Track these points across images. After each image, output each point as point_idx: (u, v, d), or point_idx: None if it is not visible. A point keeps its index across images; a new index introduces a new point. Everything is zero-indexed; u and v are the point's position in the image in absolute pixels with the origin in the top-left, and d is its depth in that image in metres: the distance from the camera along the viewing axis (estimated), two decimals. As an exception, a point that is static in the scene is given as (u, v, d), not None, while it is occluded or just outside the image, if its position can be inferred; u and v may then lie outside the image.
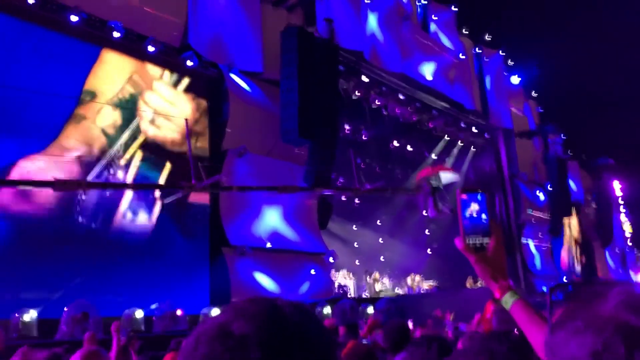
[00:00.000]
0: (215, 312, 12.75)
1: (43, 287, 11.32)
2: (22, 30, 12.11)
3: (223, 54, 15.75)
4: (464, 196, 1.57)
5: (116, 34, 13.33)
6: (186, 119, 12.09)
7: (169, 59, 14.78)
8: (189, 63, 14.81)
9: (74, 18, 12.59)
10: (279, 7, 17.55)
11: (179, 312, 12.18)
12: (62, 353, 4.16)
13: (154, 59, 14.41)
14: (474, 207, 1.57)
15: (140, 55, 14.12)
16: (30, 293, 11.14)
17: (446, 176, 12.14)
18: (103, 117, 13.20)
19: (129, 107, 13.77)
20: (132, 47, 13.97)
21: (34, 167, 11.41)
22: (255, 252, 15.17)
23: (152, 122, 14.15)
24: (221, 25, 15.78)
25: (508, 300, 1.52)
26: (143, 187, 13.21)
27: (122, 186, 12.43)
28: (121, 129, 13.55)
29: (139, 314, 11.57)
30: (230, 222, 15.00)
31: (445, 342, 2.23)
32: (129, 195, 13.39)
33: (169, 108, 14.69)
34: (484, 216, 1.56)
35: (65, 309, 10.70)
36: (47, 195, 11.83)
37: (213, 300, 13.93)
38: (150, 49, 14.04)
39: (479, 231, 1.55)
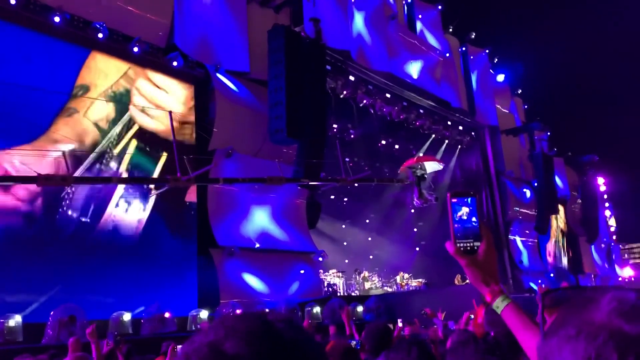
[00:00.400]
0: (203, 314, 12.69)
1: (28, 290, 11.18)
2: (5, 31, 11.94)
3: (209, 54, 15.67)
4: (455, 200, 1.57)
5: (100, 35, 13.20)
6: (170, 112, 11.95)
7: (155, 60, 14.67)
8: (175, 63, 14.73)
9: (57, 19, 12.44)
10: (265, 7, 17.50)
11: (167, 315, 12.10)
12: (47, 359, 4.12)
13: (140, 60, 14.29)
14: (464, 210, 1.57)
15: (125, 56, 14.00)
16: (15, 296, 11.00)
17: (431, 165, 12.14)
18: (95, 110, 13.10)
19: (122, 101, 13.71)
20: (117, 47, 13.84)
21: (20, 159, 11.21)
22: (244, 252, 15.12)
23: (145, 111, 14.08)
24: (207, 25, 15.69)
25: (499, 305, 1.52)
26: (129, 181, 13.04)
27: (107, 180, 12.20)
28: (114, 121, 13.50)
29: (127, 316, 11.47)
30: (219, 223, 14.94)
31: (426, 347, 2.21)
32: (117, 193, 13.28)
33: (162, 96, 14.62)
34: (474, 219, 1.56)
35: (51, 312, 10.58)
36: (32, 194, 11.70)
37: (201, 302, 13.86)
38: (136, 49, 13.92)
39: (469, 234, 1.55)
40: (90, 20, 13.18)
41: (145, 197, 13.90)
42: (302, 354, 0.83)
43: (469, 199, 1.58)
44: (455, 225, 1.55)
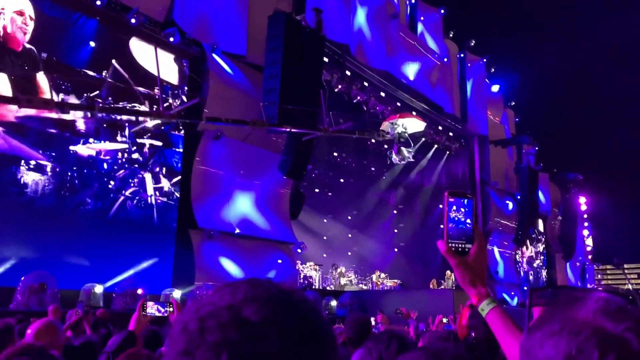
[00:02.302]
0: (176, 294, 12.59)
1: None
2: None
3: (207, 33, 15.49)
4: (452, 199, 1.56)
5: (99, 2, 12.96)
6: (155, 47, 11.71)
7: (151, 34, 14.45)
8: (172, 39, 14.53)
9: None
10: (268, -8, 17.31)
11: (139, 291, 11.99)
12: (14, 323, 4.02)
13: (136, 32, 14.07)
14: (460, 211, 1.56)
15: (122, 26, 13.78)
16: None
17: (412, 123, 12.07)
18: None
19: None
20: (114, 17, 13.61)
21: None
22: (223, 236, 15.04)
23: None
24: (208, 4, 15.50)
25: (485, 308, 1.52)
26: (110, 110, 12.73)
27: (88, 108, 11.85)
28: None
29: (99, 289, 11.34)
30: (200, 205, 14.82)
31: (405, 340, 2.20)
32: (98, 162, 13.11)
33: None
34: (468, 221, 1.56)
35: (22, 278, 10.41)
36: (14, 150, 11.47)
37: (175, 282, 13.77)
38: (133, 20, 13.70)
39: (462, 236, 1.55)
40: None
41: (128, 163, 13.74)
42: (320, 325, 0.78)
43: (466, 200, 1.57)
44: (450, 225, 1.54)
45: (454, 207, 1.56)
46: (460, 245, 1.54)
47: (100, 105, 12.55)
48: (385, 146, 25.86)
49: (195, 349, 0.71)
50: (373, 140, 25.48)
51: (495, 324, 1.49)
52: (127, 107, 13.62)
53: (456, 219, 1.55)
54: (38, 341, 3.14)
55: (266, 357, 0.70)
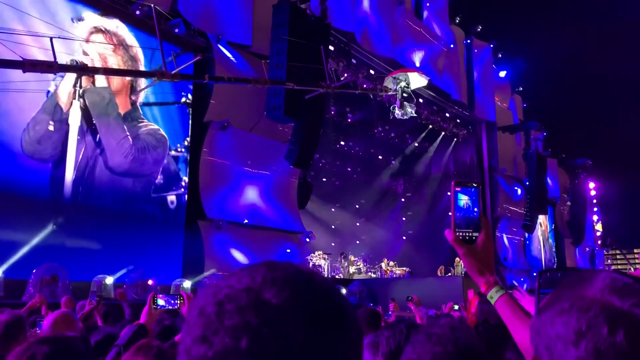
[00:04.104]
0: (186, 284, 12.67)
1: (11, 246, 11.07)
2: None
3: (212, 24, 15.45)
4: (458, 188, 1.58)
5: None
6: (154, 5, 11.55)
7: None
8: (177, 30, 14.49)
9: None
10: (272, -20, 17.19)
11: (150, 282, 12.08)
12: (26, 314, 4.07)
13: (140, 23, 14.03)
14: (467, 200, 1.58)
15: (126, 17, 13.75)
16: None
17: (415, 78, 11.95)
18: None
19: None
20: (117, 8, 13.58)
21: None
22: (232, 226, 15.09)
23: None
24: (212, -7, 15.45)
25: (494, 295, 1.55)
26: (115, 72, 12.65)
27: (94, 70, 11.77)
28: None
29: (109, 280, 11.44)
30: (209, 195, 14.87)
31: (414, 323, 2.22)
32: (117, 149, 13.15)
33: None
34: (475, 210, 1.58)
35: (34, 270, 10.51)
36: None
37: (185, 272, 13.85)
38: (137, 12, 13.68)
39: (469, 224, 1.57)
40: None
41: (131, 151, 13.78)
42: (344, 307, 0.76)
43: (472, 189, 1.59)
44: (457, 214, 1.57)
45: (461, 196, 1.58)
46: (467, 234, 1.56)
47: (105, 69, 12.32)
48: (392, 134, 25.83)
49: (213, 334, 0.68)
50: (380, 129, 25.43)
51: (504, 311, 1.52)
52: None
53: (463, 208, 1.57)
54: (54, 332, 3.17)
55: (288, 341, 0.67)
